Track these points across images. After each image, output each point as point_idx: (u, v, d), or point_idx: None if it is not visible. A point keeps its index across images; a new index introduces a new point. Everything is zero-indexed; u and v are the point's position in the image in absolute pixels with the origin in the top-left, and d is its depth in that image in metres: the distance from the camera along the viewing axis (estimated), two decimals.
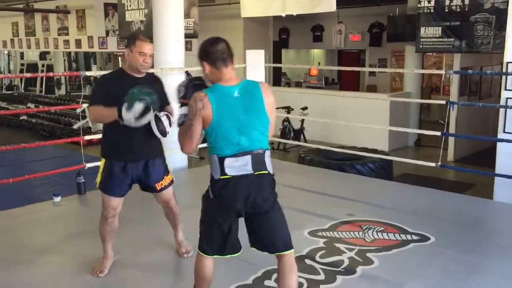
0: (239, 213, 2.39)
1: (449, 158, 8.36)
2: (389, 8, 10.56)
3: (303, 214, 4.31)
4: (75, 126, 10.80)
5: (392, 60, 13.25)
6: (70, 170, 4.99)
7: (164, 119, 2.99)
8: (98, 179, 3.14)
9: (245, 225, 2.46)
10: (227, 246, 2.45)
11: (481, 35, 6.53)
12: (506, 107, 5.05)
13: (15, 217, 4.28)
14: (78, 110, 10.36)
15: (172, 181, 3.29)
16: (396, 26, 9.94)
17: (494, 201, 4.97)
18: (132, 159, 3.08)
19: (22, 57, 19.63)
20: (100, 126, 10.76)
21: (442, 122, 10.02)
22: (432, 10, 6.96)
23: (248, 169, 2.32)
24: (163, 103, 3.13)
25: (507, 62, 5.02)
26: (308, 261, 3.32)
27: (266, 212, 2.39)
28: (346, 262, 3.32)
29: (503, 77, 5.17)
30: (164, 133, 3.01)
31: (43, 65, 17.79)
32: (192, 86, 2.51)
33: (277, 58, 13.14)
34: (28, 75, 11.62)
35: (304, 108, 9.17)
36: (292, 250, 2.49)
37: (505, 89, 5.11)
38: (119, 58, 18.35)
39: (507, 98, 5.09)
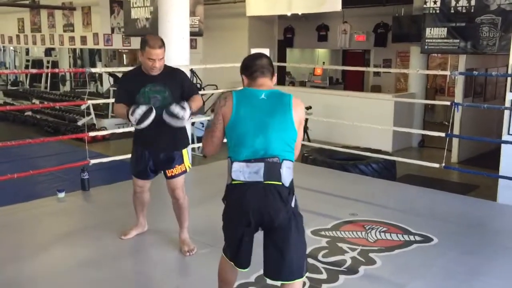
0: (249, 223, 2.24)
1: (453, 159, 8.35)
2: (395, 8, 10.53)
3: (306, 214, 4.26)
4: (80, 123, 10.83)
5: (396, 60, 13.22)
6: (75, 166, 5.01)
7: (175, 109, 3.10)
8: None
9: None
10: (239, 255, 2.34)
11: (487, 36, 6.51)
12: (511, 108, 5.03)
13: (20, 212, 4.30)
14: (83, 107, 10.44)
15: (184, 171, 3.44)
16: (401, 27, 9.92)
17: (497, 203, 4.96)
18: (150, 149, 3.35)
19: (27, 53, 19.68)
20: (104, 123, 10.84)
21: (446, 123, 9.99)
22: (437, 11, 6.94)
23: (258, 177, 2.18)
24: (184, 95, 3.27)
25: None
26: (310, 260, 3.32)
27: (279, 229, 2.22)
28: (349, 262, 3.32)
29: (508, 78, 5.15)
30: (176, 118, 3.11)
31: (48, 62, 17.83)
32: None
33: (281, 57, 13.14)
34: (34, 71, 11.67)
35: (308, 108, 9.16)
36: (299, 280, 2.29)
37: (510, 91, 5.10)
38: (124, 55, 18.38)
39: None
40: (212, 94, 8.97)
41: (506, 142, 4.99)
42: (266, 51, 6.17)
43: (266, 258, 2.28)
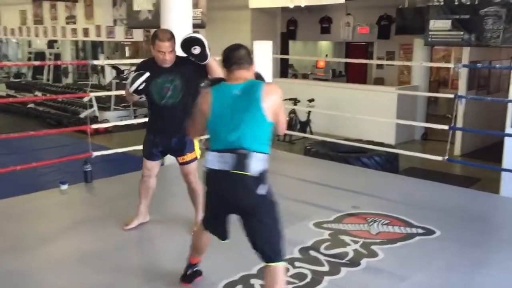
0: (221, 207, 2.50)
1: (456, 152, 8.33)
2: (398, 0, 10.46)
3: (309, 206, 4.31)
4: (82, 115, 10.84)
5: (400, 53, 13.15)
6: (77, 159, 5.02)
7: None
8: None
9: None
10: (219, 230, 2.62)
11: (491, 28, 6.47)
12: None
13: (22, 204, 4.31)
14: (85, 99, 10.43)
15: (195, 158, 3.61)
16: (405, 19, 9.85)
17: (500, 196, 4.96)
18: (160, 134, 3.53)
19: (30, 45, 19.67)
20: (107, 115, 10.86)
21: (449, 116, 9.95)
22: (441, 3, 6.90)
23: (227, 166, 2.35)
24: (201, 73, 3.37)
25: None
26: (312, 253, 3.33)
27: (249, 215, 2.42)
28: (351, 254, 3.32)
29: None
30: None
31: (50, 54, 17.83)
32: (208, 85, 2.69)
33: (284, 49, 13.09)
34: (36, 63, 11.68)
35: (311, 100, 9.15)
36: (278, 263, 2.40)
37: None
38: (127, 47, 18.35)
39: None
40: None
41: (510, 135, 4.98)
42: (268, 44, 6.14)
43: (248, 237, 2.49)
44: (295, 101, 9.16)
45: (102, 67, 15.24)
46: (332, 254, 3.31)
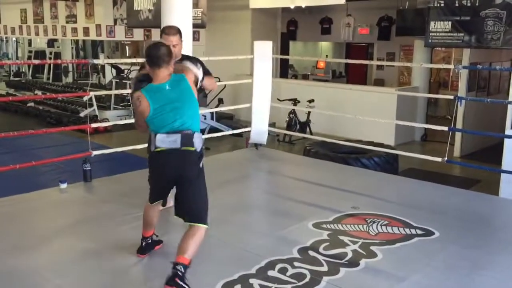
0: (168, 180, 2.92)
1: (456, 153, 8.34)
2: (399, 1, 10.46)
3: (308, 206, 4.31)
4: (82, 114, 10.84)
5: (400, 54, 13.17)
6: (77, 158, 5.02)
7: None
8: None
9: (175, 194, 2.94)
10: (160, 199, 3.08)
11: (491, 30, 6.48)
12: None
13: (22, 203, 4.31)
14: (85, 98, 10.43)
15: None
16: (405, 20, 9.86)
17: (499, 198, 4.96)
18: None
19: (30, 44, 19.68)
20: (106, 115, 10.85)
21: (449, 117, 9.98)
22: (442, 4, 6.90)
23: (177, 144, 2.81)
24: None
25: None
26: (311, 253, 3.33)
27: (189, 182, 2.88)
28: (350, 255, 3.32)
29: None
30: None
31: (50, 53, 17.84)
32: (138, 82, 3.01)
33: (284, 50, 13.10)
34: (36, 62, 11.69)
35: (311, 101, 9.15)
36: (201, 225, 2.84)
37: None
38: (127, 47, 18.36)
39: None
40: None
41: (509, 136, 4.98)
42: (268, 44, 6.15)
43: (176, 203, 2.94)
44: (295, 101, 9.17)
45: (102, 66, 15.24)
46: (331, 255, 3.31)
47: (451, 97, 5.27)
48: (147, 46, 2.98)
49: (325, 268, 3.12)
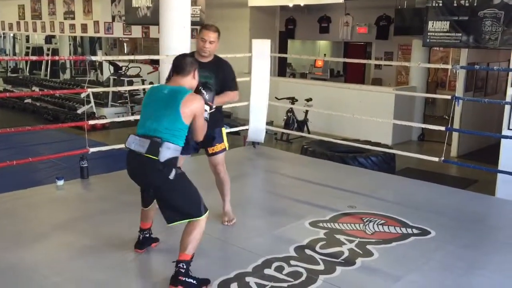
0: (136, 181, 2.99)
1: (453, 153, 8.36)
2: (397, 1, 10.48)
3: (305, 205, 4.32)
4: (79, 111, 10.83)
5: (398, 53, 13.18)
6: (74, 154, 5.01)
7: (205, 96, 3.26)
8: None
9: None
10: (142, 198, 3.15)
11: (489, 30, 6.49)
12: (511, 103, 5.03)
13: (18, 199, 4.30)
14: (83, 95, 10.42)
15: (224, 149, 3.73)
16: (403, 20, 9.88)
17: (496, 198, 4.97)
18: None
19: (27, 40, 19.62)
20: (104, 112, 10.83)
21: (446, 117, 9.99)
22: (440, 4, 6.91)
23: (142, 149, 2.80)
24: (223, 87, 3.58)
25: None
26: (308, 251, 3.34)
27: (158, 188, 2.89)
28: (346, 254, 3.33)
29: (510, 73, 5.15)
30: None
31: (48, 49, 17.79)
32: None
33: (283, 48, 13.09)
34: (34, 58, 11.66)
35: (309, 100, 9.16)
36: (194, 219, 2.87)
37: (511, 86, 5.09)
38: (125, 44, 18.32)
39: None
40: None
41: (506, 137, 4.99)
42: (267, 43, 6.14)
43: (159, 206, 2.99)
44: (293, 100, 9.17)
45: (100, 63, 15.20)
46: (328, 253, 3.32)
47: (449, 97, 5.28)
48: (176, 56, 3.12)
49: (321, 267, 3.13)
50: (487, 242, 3.75)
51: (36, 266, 3.11)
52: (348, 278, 3.03)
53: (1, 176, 5.14)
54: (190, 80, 2.99)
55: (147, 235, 3.34)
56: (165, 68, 5.84)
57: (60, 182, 4.62)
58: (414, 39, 9.78)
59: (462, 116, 8.31)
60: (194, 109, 2.86)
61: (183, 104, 2.81)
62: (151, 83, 11.21)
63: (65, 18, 13.13)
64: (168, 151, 2.80)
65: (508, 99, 5.11)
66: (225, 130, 3.76)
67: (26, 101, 12.36)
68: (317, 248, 3.39)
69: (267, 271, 3.04)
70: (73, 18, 12.88)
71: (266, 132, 6.37)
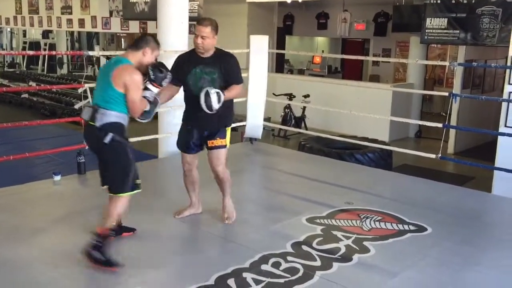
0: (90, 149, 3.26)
1: (449, 150, 8.38)
2: None
3: (302, 201, 4.32)
4: (77, 106, 10.79)
5: (396, 50, 13.18)
6: (71, 150, 5.00)
7: (213, 96, 3.30)
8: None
9: None
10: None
11: (487, 28, 6.50)
12: (508, 101, 5.04)
13: (15, 195, 4.29)
14: (80, 90, 10.35)
15: (224, 146, 3.62)
16: (401, 16, 9.87)
17: (492, 195, 4.98)
18: (198, 127, 3.58)
19: (24, 35, 19.53)
20: None
21: (443, 114, 10.02)
22: (438, 1, 6.91)
23: (86, 116, 3.05)
24: (228, 81, 3.49)
25: None
26: (305, 247, 3.34)
27: (98, 154, 3.11)
28: (343, 250, 3.34)
29: (507, 71, 5.15)
30: (210, 108, 3.33)
31: (45, 44, 17.72)
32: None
33: (280, 44, 13.07)
34: (31, 53, 11.62)
35: (306, 96, 9.15)
36: (118, 195, 3.04)
37: (509, 83, 5.10)
38: (122, 39, 18.26)
39: (510, 92, 5.08)
40: None
41: (503, 134, 5.00)
42: (264, 39, 6.13)
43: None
44: (291, 96, 9.16)
45: (97, 58, 15.15)
46: (324, 249, 3.33)
47: (446, 94, 5.29)
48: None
49: (318, 263, 3.14)
50: (483, 239, 3.76)
51: (33, 261, 3.11)
52: (345, 274, 3.04)
53: None
54: (140, 56, 3.08)
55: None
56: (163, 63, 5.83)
57: (57, 178, 4.61)
58: (412, 36, 9.78)
59: (459, 113, 8.32)
60: (124, 79, 2.95)
61: (115, 72, 2.97)
62: None
63: (62, 13, 13.07)
64: (104, 116, 2.99)
65: (505, 96, 5.12)
66: (229, 130, 3.68)
67: (23, 96, 12.32)
68: (314, 244, 3.40)
69: (264, 267, 3.05)
70: (71, 13, 12.83)
71: (264, 128, 6.37)
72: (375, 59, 13.10)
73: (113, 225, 3.05)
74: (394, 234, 3.64)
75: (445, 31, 6.93)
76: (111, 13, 11.54)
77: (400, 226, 3.79)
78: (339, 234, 3.60)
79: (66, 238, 3.47)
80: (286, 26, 14.40)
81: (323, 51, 15.87)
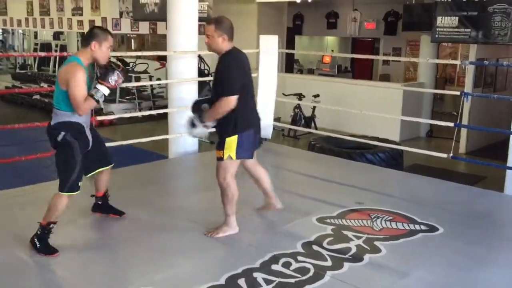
0: None
1: (461, 150, 8.31)
2: None
3: (312, 201, 4.32)
4: None
5: (406, 49, 13.10)
6: None
7: (194, 126, 3.42)
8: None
9: None
10: None
11: (499, 26, 6.44)
12: None
13: (26, 195, 4.33)
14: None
15: (220, 158, 3.47)
16: (412, 15, 9.80)
17: (505, 194, 4.93)
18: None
19: (36, 36, 19.69)
20: (112, 108, 10.86)
21: (455, 113, 9.93)
22: (449, 0, 6.86)
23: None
24: (215, 92, 3.39)
25: None
26: (315, 247, 3.34)
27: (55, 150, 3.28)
28: (354, 250, 3.32)
29: None
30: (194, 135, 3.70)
31: (56, 45, 17.85)
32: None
33: (290, 44, 13.05)
34: (42, 54, 11.69)
35: (316, 96, 9.13)
36: (58, 192, 3.22)
37: None
38: (132, 40, 18.35)
39: None
40: None
41: None
42: (274, 39, 6.13)
43: None
44: (300, 96, 9.14)
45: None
46: (335, 249, 3.32)
47: (458, 93, 5.25)
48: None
49: (328, 263, 3.13)
50: (495, 239, 3.73)
51: (43, 260, 3.14)
52: (356, 274, 3.03)
53: (10, 171, 5.17)
54: (89, 52, 3.14)
55: (99, 202, 3.73)
56: (173, 64, 5.85)
57: None
58: (423, 35, 9.71)
59: (471, 112, 8.25)
60: (65, 77, 3.07)
61: (60, 73, 3.14)
62: (158, 79, 11.23)
63: (73, 15, 13.16)
64: (56, 116, 3.19)
65: None
66: (230, 140, 3.37)
67: (34, 97, 12.41)
68: (325, 244, 3.39)
69: (274, 267, 3.05)
70: (81, 15, 12.91)
71: (274, 128, 6.37)
72: (385, 58, 13.04)
73: (54, 219, 3.23)
74: (405, 234, 3.62)
75: (456, 29, 6.87)
76: (121, 14, 11.59)
77: (411, 226, 3.77)
78: (349, 234, 3.58)
79: (76, 237, 3.50)
80: (296, 25, 14.38)
81: (332, 50, 15.83)
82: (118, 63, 3.25)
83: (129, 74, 11.62)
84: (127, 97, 11.59)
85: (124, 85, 10.53)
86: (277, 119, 6.90)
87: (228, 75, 3.31)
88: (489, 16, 6.48)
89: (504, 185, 5.08)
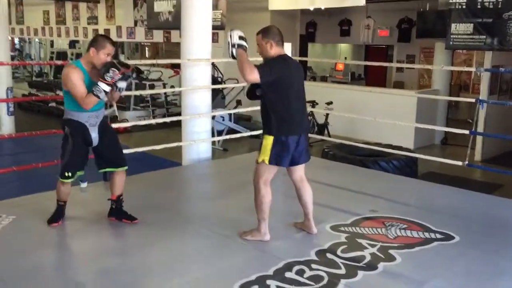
0: None
1: (477, 157, 8.21)
2: (419, 3, 10.36)
3: (326, 209, 4.30)
4: None
5: (420, 56, 13.02)
6: None
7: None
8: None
9: None
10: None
11: None
12: None
13: (44, 201, 4.36)
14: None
15: (256, 161, 3.54)
16: (426, 22, 9.76)
17: None
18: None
19: (52, 45, 19.97)
20: (126, 115, 10.95)
21: (470, 121, 9.84)
22: (464, 6, 6.81)
23: None
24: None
25: None
26: (329, 255, 3.32)
27: None
28: (368, 258, 3.30)
29: None
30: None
31: (72, 54, 18.07)
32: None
33: (303, 52, 13.06)
34: (58, 62, 11.82)
35: (329, 103, 9.11)
36: (59, 178, 3.66)
37: None
38: (146, 48, 18.52)
39: None
40: (233, 88, 8.97)
41: None
42: (287, 46, 6.13)
43: None
44: (313, 103, 9.13)
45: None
46: (349, 257, 3.30)
47: (473, 100, 5.20)
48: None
49: (343, 271, 3.11)
50: None
51: (61, 266, 3.17)
52: (370, 282, 3.00)
53: (27, 178, 5.23)
54: (89, 56, 3.50)
55: (113, 207, 3.82)
56: (187, 72, 5.90)
57: (84, 185, 4.69)
58: (437, 42, 9.65)
59: (486, 119, 8.16)
60: (64, 78, 3.44)
61: (62, 75, 3.49)
62: (172, 86, 11.31)
63: (88, 23, 13.36)
64: (64, 113, 3.64)
65: None
66: (266, 142, 3.38)
67: (50, 104, 12.56)
68: (339, 252, 3.37)
69: (288, 275, 3.04)
70: (96, 23, 13.10)
71: None
72: (399, 65, 12.97)
73: (59, 199, 3.76)
74: (420, 243, 3.59)
75: (471, 36, 6.81)
76: (135, 22, 11.74)
77: (427, 235, 3.73)
78: (364, 242, 3.56)
79: (92, 244, 3.53)
80: (309, 33, 14.39)
81: (346, 58, 15.80)
82: (126, 62, 3.48)
83: (143, 82, 11.74)
84: (141, 105, 11.69)
85: (138, 92, 10.65)
86: None
87: (268, 63, 3.43)
88: (504, 23, 6.42)
89: None
